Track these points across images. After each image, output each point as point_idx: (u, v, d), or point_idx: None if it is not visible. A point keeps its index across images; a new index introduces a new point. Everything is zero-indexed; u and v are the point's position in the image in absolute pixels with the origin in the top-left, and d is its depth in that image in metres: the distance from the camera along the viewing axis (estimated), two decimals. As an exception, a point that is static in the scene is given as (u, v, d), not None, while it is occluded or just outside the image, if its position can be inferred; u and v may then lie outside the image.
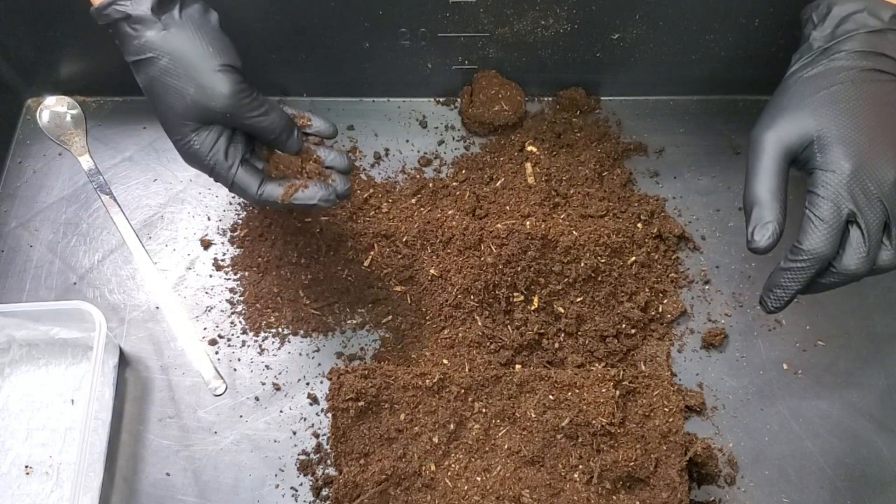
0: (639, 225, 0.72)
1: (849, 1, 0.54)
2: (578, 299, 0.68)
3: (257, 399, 0.67)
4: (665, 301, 0.70)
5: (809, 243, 0.50)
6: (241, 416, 0.66)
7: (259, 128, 0.56)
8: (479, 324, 0.67)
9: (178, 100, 0.54)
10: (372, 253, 0.71)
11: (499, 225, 0.68)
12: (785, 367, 0.68)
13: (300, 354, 0.69)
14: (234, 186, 0.57)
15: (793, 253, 0.51)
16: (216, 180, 0.58)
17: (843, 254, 0.50)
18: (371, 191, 0.75)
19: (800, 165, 0.53)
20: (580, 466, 0.60)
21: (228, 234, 0.74)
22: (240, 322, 0.70)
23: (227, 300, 0.71)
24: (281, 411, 0.67)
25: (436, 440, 0.61)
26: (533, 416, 0.62)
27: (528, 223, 0.68)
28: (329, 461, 0.64)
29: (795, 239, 0.51)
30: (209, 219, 0.75)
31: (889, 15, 0.53)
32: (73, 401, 0.67)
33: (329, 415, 0.63)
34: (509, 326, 0.67)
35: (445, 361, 0.66)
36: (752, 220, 0.52)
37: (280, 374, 0.68)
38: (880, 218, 0.50)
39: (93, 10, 0.55)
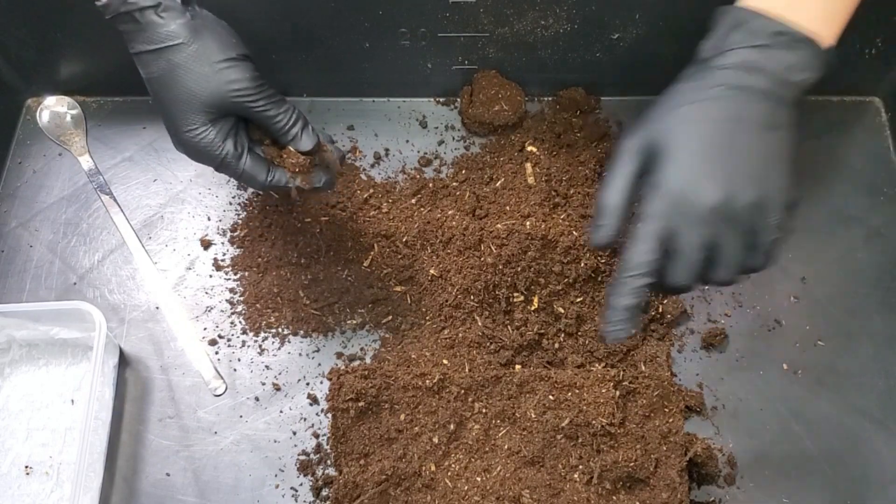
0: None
1: (735, 13, 0.53)
2: (578, 299, 0.68)
3: (257, 399, 0.67)
4: (665, 301, 0.70)
5: (633, 258, 0.50)
6: (241, 416, 0.66)
7: (273, 115, 0.56)
8: (479, 324, 0.67)
9: (203, 86, 0.54)
10: (372, 253, 0.71)
11: (499, 225, 0.68)
12: (785, 367, 0.68)
13: (300, 354, 0.69)
14: (244, 174, 0.57)
15: (620, 268, 0.51)
16: (222, 171, 0.57)
17: (666, 269, 0.50)
18: (371, 191, 0.75)
19: (648, 177, 0.53)
20: (580, 467, 0.60)
21: (228, 234, 0.74)
22: (240, 322, 0.70)
23: (227, 300, 0.71)
24: (281, 411, 0.67)
25: (436, 440, 0.61)
26: (533, 416, 0.62)
27: (528, 223, 0.68)
28: (329, 461, 0.64)
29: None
30: (209, 219, 0.75)
31: (772, 31, 0.51)
32: (73, 401, 0.67)
33: (329, 415, 0.63)
34: (509, 327, 0.67)
35: (445, 362, 0.66)
36: (595, 219, 0.52)
37: (280, 374, 0.68)
38: (701, 237, 0.49)
39: None
